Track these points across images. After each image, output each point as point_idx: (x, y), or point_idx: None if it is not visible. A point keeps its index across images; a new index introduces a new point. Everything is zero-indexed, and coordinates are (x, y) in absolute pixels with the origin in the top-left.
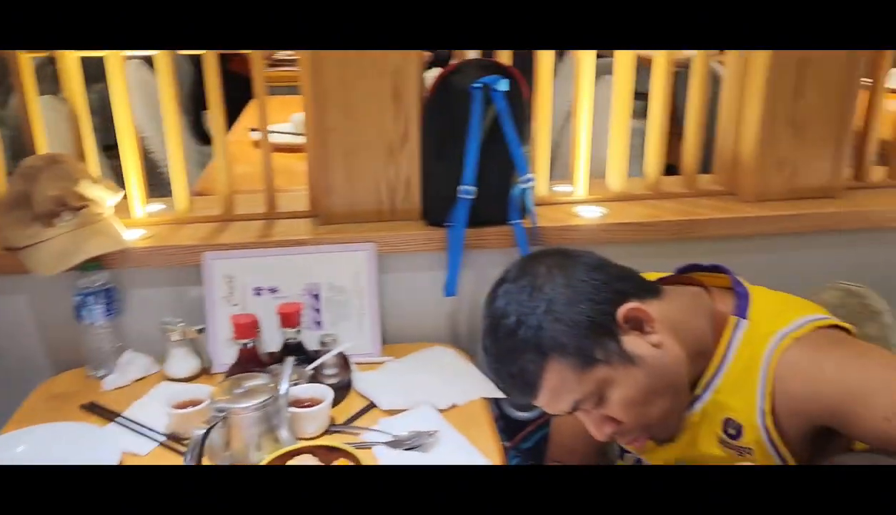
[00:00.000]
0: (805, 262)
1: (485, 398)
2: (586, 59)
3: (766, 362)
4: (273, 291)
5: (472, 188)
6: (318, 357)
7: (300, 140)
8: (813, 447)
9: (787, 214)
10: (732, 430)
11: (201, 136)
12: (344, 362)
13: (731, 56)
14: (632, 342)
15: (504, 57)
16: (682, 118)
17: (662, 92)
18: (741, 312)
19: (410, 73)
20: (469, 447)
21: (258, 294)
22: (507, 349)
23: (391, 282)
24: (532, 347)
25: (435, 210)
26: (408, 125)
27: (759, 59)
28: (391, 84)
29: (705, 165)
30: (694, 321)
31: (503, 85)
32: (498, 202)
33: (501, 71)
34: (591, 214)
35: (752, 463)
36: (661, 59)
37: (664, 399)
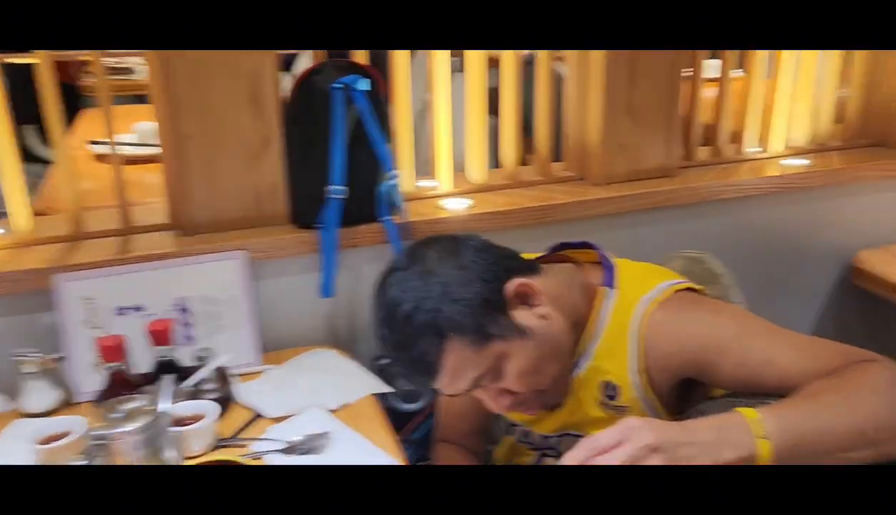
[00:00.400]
0: (650, 236)
1: (373, 394)
2: (440, 57)
3: (636, 326)
4: (138, 309)
5: (342, 188)
6: (195, 373)
7: (147, 151)
8: (679, 398)
9: (631, 193)
10: (610, 392)
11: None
12: (223, 375)
13: (572, 53)
14: (521, 316)
15: (360, 57)
16: (527, 115)
17: (513, 88)
18: (609, 282)
19: (267, 75)
20: (365, 442)
21: (122, 314)
22: (405, 335)
23: (266, 289)
24: (431, 330)
25: (304, 213)
26: (269, 128)
27: (597, 54)
28: (248, 87)
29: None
30: (570, 294)
31: (363, 84)
32: (367, 200)
33: (360, 71)
34: (457, 206)
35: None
36: (509, 58)
37: (554, 366)
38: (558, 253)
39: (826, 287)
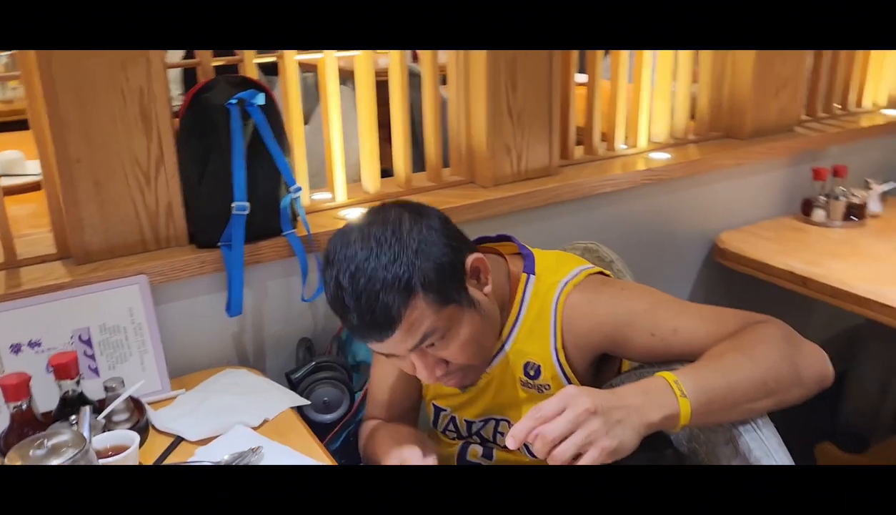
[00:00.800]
0: (539, 231)
1: (291, 408)
2: (330, 69)
3: (554, 307)
4: (35, 345)
5: (245, 204)
6: (105, 405)
7: (14, 181)
8: (594, 375)
9: (519, 193)
10: (532, 371)
11: None
12: (135, 404)
13: (452, 61)
14: (472, 289)
15: (251, 71)
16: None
17: (401, 99)
18: (530, 269)
19: (156, 92)
20: (296, 454)
21: (16, 352)
22: (372, 288)
23: (170, 312)
24: (402, 284)
25: (205, 232)
26: (161, 148)
27: (478, 59)
28: (136, 105)
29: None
30: (498, 279)
31: (260, 99)
32: (269, 215)
33: (252, 85)
34: (355, 216)
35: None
36: (395, 69)
37: (488, 341)
38: (481, 245)
39: (695, 266)
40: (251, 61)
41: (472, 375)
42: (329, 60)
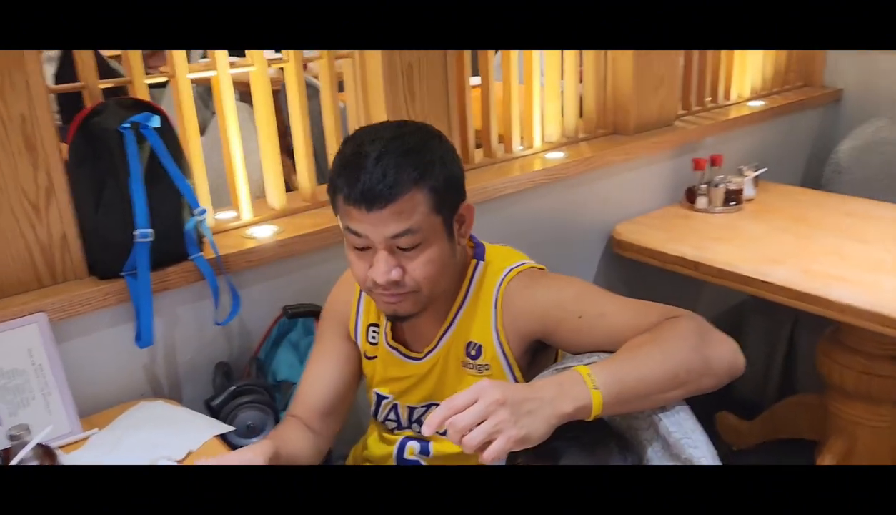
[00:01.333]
0: None
1: (215, 436)
2: (225, 84)
3: (497, 291)
4: None
5: (148, 230)
6: (12, 456)
7: None
8: (530, 365)
9: None
10: (473, 351)
11: None
12: (45, 450)
13: (349, 70)
14: (455, 228)
15: (142, 92)
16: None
17: (300, 114)
18: (480, 257)
19: (40, 118)
20: None
21: None
22: (391, 159)
23: (74, 349)
24: (417, 169)
25: (106, 262)
26: (50, 177)
27: (375, 67)
28: (20, 134)
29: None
30: (460, 255)
31: (155, 121)
32: (173, 240)
33: (145, 107)
34: (264, 233)
35: (489, 378)
36: (292, 83)
37: (444, 283)
38: None
39: (595, 258)
40: (141, 82)
41: (413, 306)
42: (223, 77)
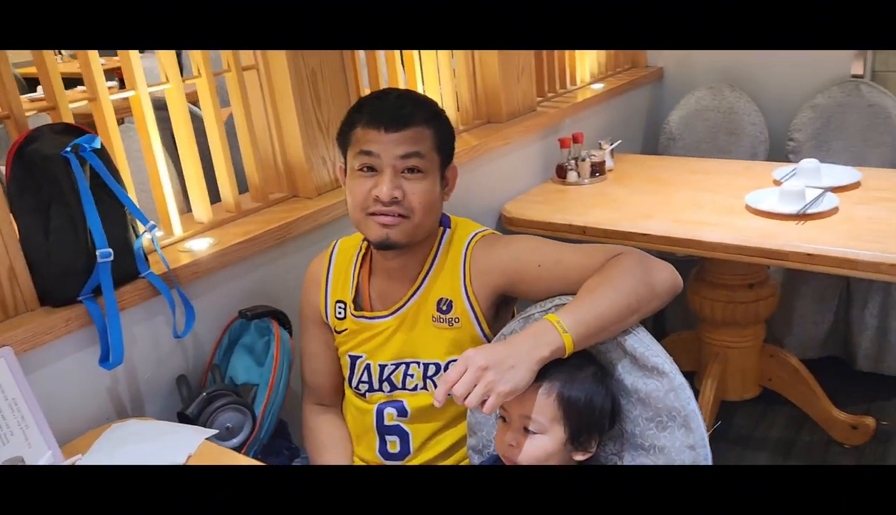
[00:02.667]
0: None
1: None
2: (146, 105)
3: (465, 250)
4: None
5: (109, 250)
6: None
7: None
8: (494, 316)
9: (337, 201)
10: (444, 306)
11: None
12: None
13: (253, 80)
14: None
15: (67, 116)
16: None
17: (216, 126)
18: (446, 224)
19: None
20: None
21: None
22: (410, 95)
23: (42, 379)
24: (431, 110)
25: (61, 289)
26: None
27: (280, 75)
28: None
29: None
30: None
31: (97, 143)
32: (123, 259)
33: (78, 130)
34: (200, 246)
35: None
36: (205, 98)
37: (429, 222)
38: None
39: None
40: (66, 107)
41: (403, 233)
42: (144, 97)
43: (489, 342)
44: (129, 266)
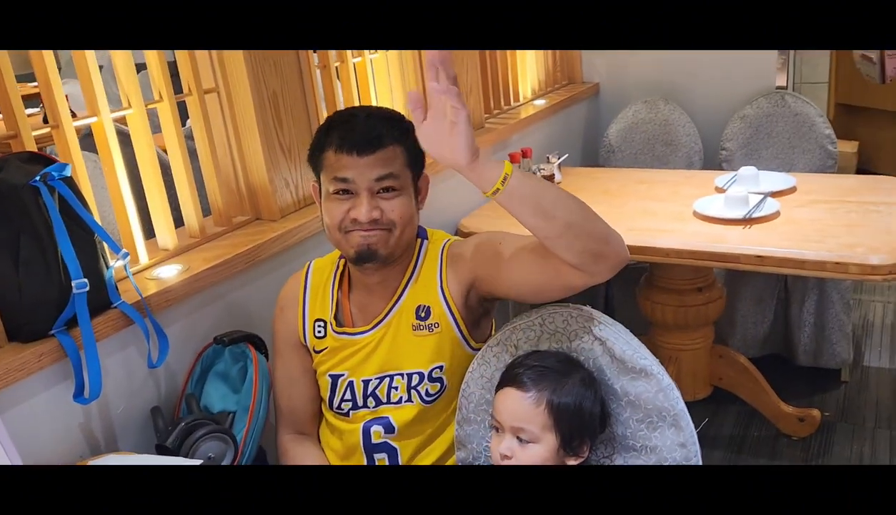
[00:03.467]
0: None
1: None
2: (109, 130)
3: (441, 258)
4: None
5: (84, 281)
6: None
7: None
8: (475, 325)
9: (306, 221)
10: (423, 313)
11: None
12: None
13: (214, 105)
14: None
15: (30, 145)
16: None
17: (179, 152)
18: (423, 236)
19: None
20: None
21: None
22: (380, 114)
23: (14, 419)
24: (400, 128)
25: (33, 323)
26: None
27: (243, 98)
28: None
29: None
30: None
31: (68, 171)
32: (95, 289)
33: (46, 159)
34: (170, 272)
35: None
36: (167, 123)
37: (408, 234)
38: None
39: None
40: (29, 135)
41: (384, 244)
42: (107, 122)
43: (469, 345)
44: (101, 296)
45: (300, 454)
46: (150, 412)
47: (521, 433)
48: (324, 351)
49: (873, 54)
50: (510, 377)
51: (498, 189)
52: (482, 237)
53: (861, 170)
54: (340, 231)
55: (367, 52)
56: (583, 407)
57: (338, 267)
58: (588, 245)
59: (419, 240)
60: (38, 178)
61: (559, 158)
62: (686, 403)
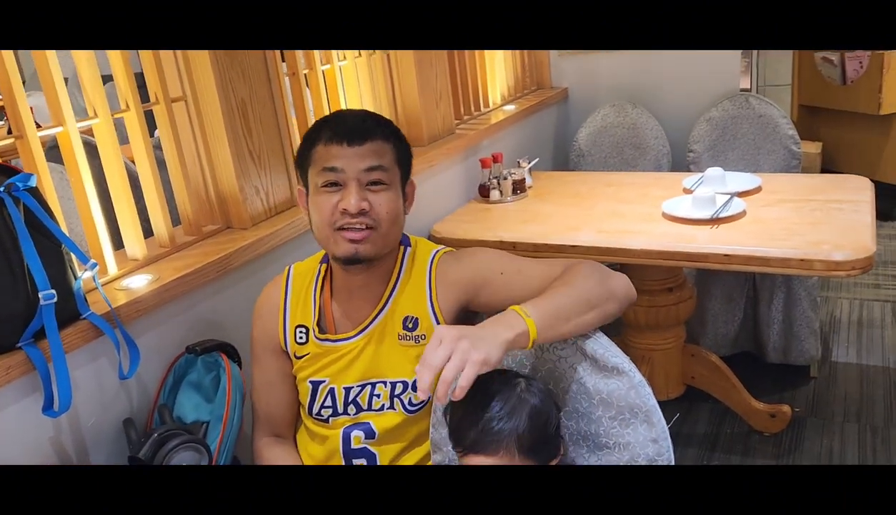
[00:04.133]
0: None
1: None
2: (75, 140)
3: (429, 267)
4: None
5: (52, 292)
6: None
7: None
8: None
9: (279, 227)
10: (410, 324)
11: None
12: None
13: (182, 113)
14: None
15: None
16: None
17: (147, 162)
18: (406, 243)
19: None
20: None
21: None
22: (374, 116)
23: None
24: (390, 127)
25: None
26: None
27: (211, 107)
28: None
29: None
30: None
31: (33, 181)
32: (63, 301)
33: (9, 170)
34: (140, 282)
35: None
36: (133, 121)
37: (394, 233)
38: None
39: None
40: None
41: (372, 246)
42: (73, 132)
43: None
44: (70, 308)
45: (275, 456)
46: (123, 423)
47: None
48: (305, 357)
49: (834, 56)
50: (471, 445)
51: (534, 328)
52: (480, 259)
53: (825, 170)
54: (330, 228)
55: (335, 59)
56: (543, 421)
57: (319, 272)
58: (608, 309)
59: (402, 247)
60: (2, 188)
61: (530, 163)
62: (659, 402)
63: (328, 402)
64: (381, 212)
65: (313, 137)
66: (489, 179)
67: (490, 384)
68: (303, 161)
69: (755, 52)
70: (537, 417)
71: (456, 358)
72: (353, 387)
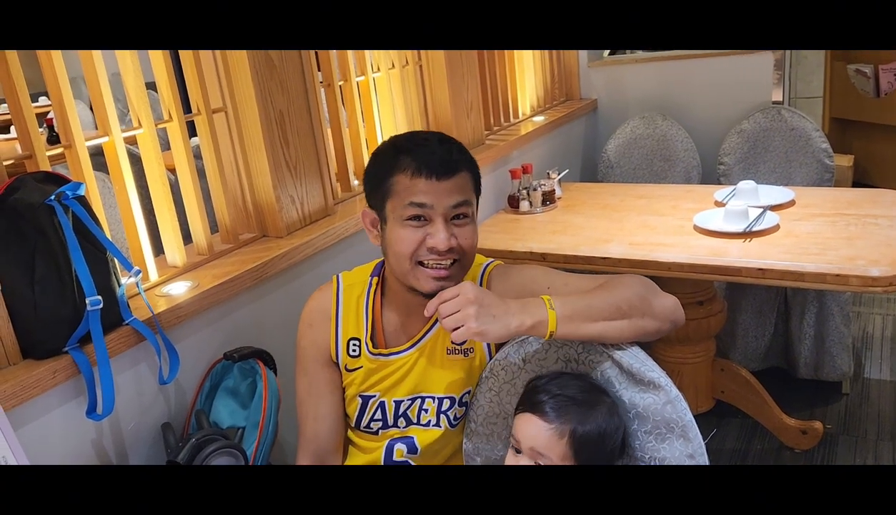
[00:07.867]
0: (342, 264)
1: None
2: (120, 148)
3: (480, 280)
4: None
5: (98, 298)
6: None
7: None
8: (501, 346)
9: (314, 236)
10: None
11: None
12: None
13: (222, 123)
14: None
15: (44, 165)
16: None
17: (188, 171)
18: None
19: None
20: None
21: None
22: (453, 143)
23: (28, 435)
24: (469, 155)
25: (47, 341)
26: None
27: (251, 118)
28: None
29: None
30: None
31: (82, 190)
32: (107, 307)
33: (60, 179)
34: (180, 289)
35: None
36: (177, 143)
37: (472, 261)
38: None
39: None
40: (43, 155)
41: (454, 280)
42: (118, 142)
43: None
44: (113, 313)
45: None
46: (161, 428)
47: (539, 459)
48: (357, 371)
49: (867, 69)
50: (533, 403)
51: (555, 321)
52: (529, 274)
53: (857, 183)
54: (411, 261)
55: (370, 70)
56: (605, 439)
57: (371, 284)
58: (644, 325)
59: None
60: (52, 197)
61: (559, 174)
62: None
63: (378, 415)
64: (465, 245)
65: (391, 164)
66: (519, 189)
67: (580, 389)
68: (378, 187)
69: (788, 63)
70: (602, 438)
71: (458, 316)
72: (403, 400)
